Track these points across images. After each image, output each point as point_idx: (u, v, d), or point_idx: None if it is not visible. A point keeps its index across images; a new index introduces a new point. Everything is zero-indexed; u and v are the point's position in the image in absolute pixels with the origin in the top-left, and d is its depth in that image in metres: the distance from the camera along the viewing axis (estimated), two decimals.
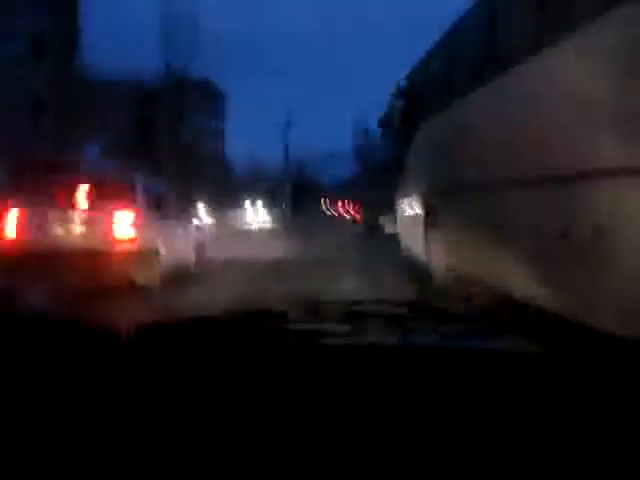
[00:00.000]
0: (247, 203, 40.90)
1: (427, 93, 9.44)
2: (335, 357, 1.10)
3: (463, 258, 6.79)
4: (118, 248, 7.81)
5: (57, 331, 1.18)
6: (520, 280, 5.35)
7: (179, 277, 9.13)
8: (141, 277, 7.86)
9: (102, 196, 8.14)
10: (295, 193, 66.15)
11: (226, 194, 49.92)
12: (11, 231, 7.96)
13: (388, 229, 18.63)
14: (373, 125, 77.58)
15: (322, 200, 72.21)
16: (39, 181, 9.01)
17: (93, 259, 7.57)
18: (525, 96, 5.56)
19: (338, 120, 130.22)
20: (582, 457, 0.87)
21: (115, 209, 8.01)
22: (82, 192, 8.11)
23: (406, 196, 10.42)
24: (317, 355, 1.12)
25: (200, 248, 10.96)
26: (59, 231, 7.85)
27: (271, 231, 31.02)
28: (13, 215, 7.99)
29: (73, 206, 7.97)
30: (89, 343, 1.13)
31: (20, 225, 7.96)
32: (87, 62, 41.39)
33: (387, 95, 12.89)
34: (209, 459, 0.88)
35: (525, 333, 1.28)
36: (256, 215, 38.66)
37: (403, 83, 11.92)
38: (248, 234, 24.56)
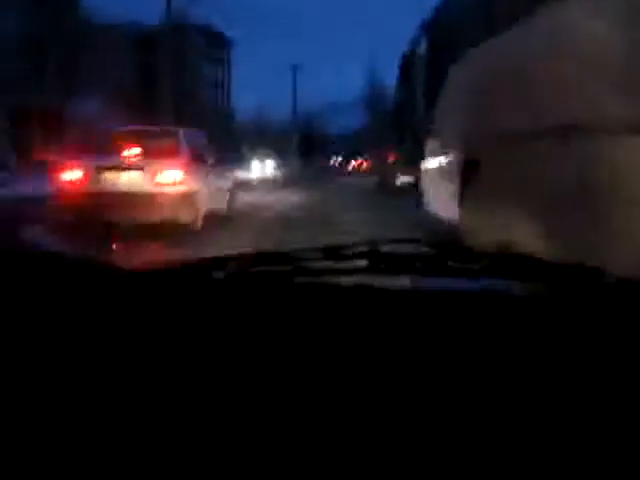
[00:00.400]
0: (250, 155, 39.37)
1: (469, 19, 7.73)
2: (344, 297, 1.07)
3: (509, 222, 5.72)
4: (165, 192, 9.12)
5: (57, 267, 1.14)
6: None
7: (215, 218, 10.65)
8: (183, 216, 9.30)
9: (152, 147, 9.59)
10: (303, 145, 64.24)
11: (229, 146, 48.20)
12: (76, 179, 9.39)
13: (401, 181, 18.51)
14: (384, 74, 76.61)
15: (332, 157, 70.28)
16: (98, 134, 10.71)
17: (145, 201, 8.97)
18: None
19: (343, 71, 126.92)
20: (585, 401, 0.84)
21: (163, 159, 9.40)
22: (136, 143, 9.56)
23: (434, 146, 9.36)
24: (325, 295, 1.08)
25: (232, 194, 12.57)
26: (117, 178, 9.27)
27: (274, 183, 29.82)
28: (78, 165, 9.51)
29: (128, 156, 9.38)
30: (85, 279, 1.10)
31: (84, 174, 9.41)
32: (86, 4, 40.06)
33: (398, 44, 11.27)
34: (206, 404, 0.85)
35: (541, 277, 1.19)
36: (262, 168, 37.35)
37: (431, 15, 10.42)
38: (251, 187, 23.43)
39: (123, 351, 0.93)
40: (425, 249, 1.39)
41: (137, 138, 9.91)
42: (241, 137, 60.36)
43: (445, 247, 1.43)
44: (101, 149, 10.04)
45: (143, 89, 45.60)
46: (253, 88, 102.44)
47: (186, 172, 9.51)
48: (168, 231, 8.89)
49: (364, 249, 1.32)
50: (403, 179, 18.33)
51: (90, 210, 8.88)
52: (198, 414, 0.83)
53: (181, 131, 10.71)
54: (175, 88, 47.88)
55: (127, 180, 9.30)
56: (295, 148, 58.50)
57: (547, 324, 0.98)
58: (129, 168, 9.33)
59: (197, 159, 10.30)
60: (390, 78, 65.55)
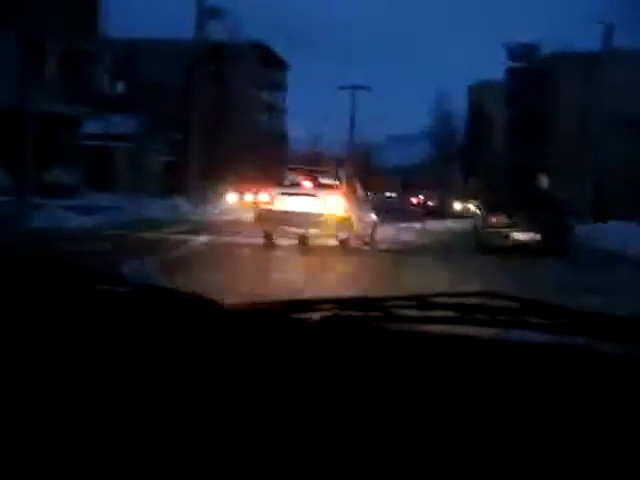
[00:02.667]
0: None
1: None
2: (432, 345, 1.12)
3: None
4: (331, 217, 12.49)
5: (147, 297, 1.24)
6: None
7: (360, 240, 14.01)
8: (342, 233, 12.82)
9: (323, 184, 13.62)
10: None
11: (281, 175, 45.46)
12: (272, 201, 13.12)
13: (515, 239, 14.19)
14: (451, 105, 72.43)
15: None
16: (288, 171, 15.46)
17: (318, 222, 12.47)
18: None
19: (407, 101, 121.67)
20: None
21: (331, 193, 13.03)
22: (312, 181, 13.58)
23: None
24: (413, 342, 1.14)
25: (374, 225, 15.14)
26: (298, 204, 12.71)
27: None
28: (271, 193, 13.37)
29: (306, 189, 13.31)
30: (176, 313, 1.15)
31: (275, 199, 13.12)
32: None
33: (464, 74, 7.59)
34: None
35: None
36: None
37: None
38: None
39: (203, 387, 0.95)
40: (508, 303, 1.36)
41: (310, 173, 14.46)
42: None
43: (528, 302, 1.38)
44: (288, 181, 14.05)
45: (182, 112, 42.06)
46: (308, 115, 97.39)
47: (345, 200, 12.80)
48: (330, 243, 12.97)
49: (451, 300, 1.36)
50: (519, 236, 13.81)
51: (276, 223, 12.81)
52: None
53: (341, 170, 15.07)
54: (215, 111, 44.38)
55: (304, 203, 12.66)
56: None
57: (627, 385, 0.99)
58: (305, 195, 12.92)
59: (352, 192, 13.77)
60: (458, 109, 60.24)
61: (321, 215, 12.34)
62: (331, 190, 13.01)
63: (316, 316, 1.19)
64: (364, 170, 64.30)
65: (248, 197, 27.21)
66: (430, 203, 41.26)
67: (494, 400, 0.94)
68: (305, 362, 1.02)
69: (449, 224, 26.31)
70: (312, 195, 12.75)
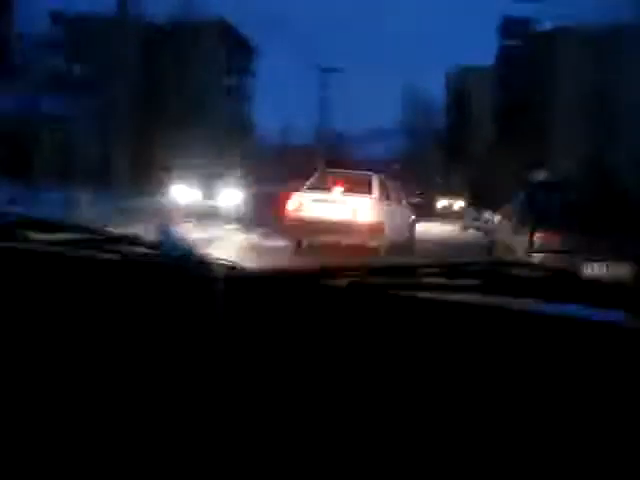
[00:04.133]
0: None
1: None
2: (459, 314, 1.11)
3: None
4: (360, 222, 11.95)
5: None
6: None
7: (397, 246, 12.93)
8: (372, 241, 12.00)
9: (352, 187, 12.66)
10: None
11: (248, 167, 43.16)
12: (299, 208, 12.61)
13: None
14: (432, 96, 68.06)
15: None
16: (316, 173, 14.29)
17: (346, 227, 11.80)
18: None
19: (382, 94, 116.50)
20: None
21: (361, 199, 12.40)
22: (341, 184, 12.69)
23: None
24: (440, 310, 1.12)
25: (412, 228, 14.93)
26: (328, 211, 12.15)
27: None
28: (301, 198, 12.85)
29: (336, 194, 12.51)
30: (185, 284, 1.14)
31: (304, 204, 12.63)
32: None
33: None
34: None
35: None
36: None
37: None
38: None
39: (223, 352, 0.98)
40: (540, 273, 1.37)
41: (341, 178, 13.14)
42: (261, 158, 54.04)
43: (560, 273, 1.39)
44: (315, 185, 13.33)
45: (148, 93, 39.22)
46: (280, 103, 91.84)
47: (376, 208, 12.48)
48: (359, 252, 11.64)
49: (480, 268, 1.35)
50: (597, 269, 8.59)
51: (307, 231, 12.29)
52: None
53: (374, 176, 13.48)
54: (183, 96, 41.00)
55: (333, 210, 12.23)
56: None
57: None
58: (335, 201, 12.43)
59: (385, 198, 13.27)
60: (437, 98, 55.85)
61: (351, 223, 12.01)
62: (362, 195, 12.54)
63: (343, 282, 1.20)
64: (335, 163, 60.03)
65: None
66: (412, 200, 36.53)
67: (517, 369, 0.95)
68: (329, 326, 1.04)
69: (440, 227, 22.91)
70: (342, 201, 12.38)
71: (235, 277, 1.13)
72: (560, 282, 1.25)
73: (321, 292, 1.15)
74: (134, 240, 1.24)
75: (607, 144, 28.20)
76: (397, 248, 12.58)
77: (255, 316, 1.05)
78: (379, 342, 1.00)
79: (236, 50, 53.93)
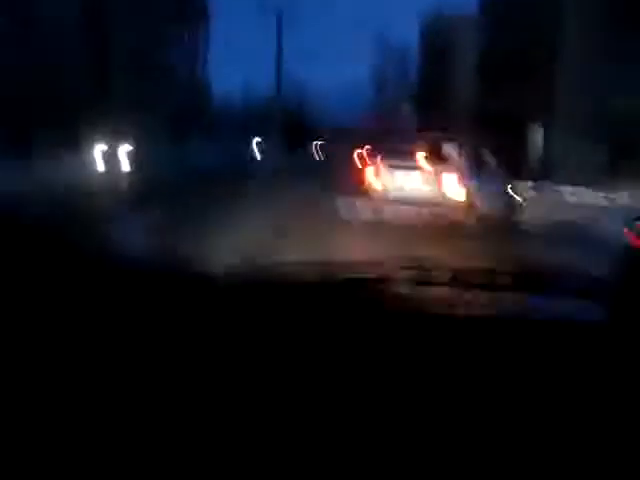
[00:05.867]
0: None
1: None
2: (438, 327, 1.12)
3: None
4: (447, 199, 10.29)
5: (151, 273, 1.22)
6: None
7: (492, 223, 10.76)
8: (461, 217, 10.17)
9: (438, 160, 10.69)
10: (291, 133, 50.01)
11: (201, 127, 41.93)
12: (375, 181, 10.93)
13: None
14: (404, 45, 62.82)
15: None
16: (392, 143, 12.26)
17: (432, 205, 10.16)
18: None
19: (348, 43, 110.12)
20: None
21: (446, 171, 10.52)
22: (424, 156, 10.64)
23: None
24: (422, 324, 1.12)
25: (510, 202, 12.20)
26: (409, 183, 10.55)
27: None
28: (376, 169, 11.03)
29: (418, 166, 10.65)
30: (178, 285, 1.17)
31: (380, 177, 10.90)
32: None
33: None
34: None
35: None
36: None
37: None
38: None
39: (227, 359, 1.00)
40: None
41: (425, 142, 11.16)
42: (221, 117, 51.88)
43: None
44: (394, 148, 11.36)
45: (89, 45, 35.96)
46: (239, 63, 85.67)
47: (465, 177, 10.52)
48: (447, 229, 9.75)
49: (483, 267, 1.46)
50: None
51: (386, 211, 10.39)
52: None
53: (462, 140, 11.73)
54: (131, 49, 37.19)
55: (414, 182, 10.55)
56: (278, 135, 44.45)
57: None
58: (417, 169, 10.60)
59: (476, 166, 11.17)
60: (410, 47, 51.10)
61: (435, 199, 10.38)
62: (447, 165, 10.74)
63: (340, 277, 1.22)
64: (297, 126, 55.12)
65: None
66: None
67: (507, 372, 0.97)
68: (321, 321, 1.06)
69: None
70: (424, 172, 10.61)
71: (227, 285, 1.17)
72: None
73: (315, 288, 1.17)
74: None
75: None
76: (494, 226, 10.56)
77: (247, 322, 1.06)
78: (376, 350, 1.00)
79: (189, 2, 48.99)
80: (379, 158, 11.20)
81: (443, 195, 10.31)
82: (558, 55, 26.46)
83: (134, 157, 23.11)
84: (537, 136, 26.29)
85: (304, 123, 56.10)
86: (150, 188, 15.74)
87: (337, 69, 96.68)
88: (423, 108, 45.80)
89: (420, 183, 10.50)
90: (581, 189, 18.87)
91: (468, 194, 10.37)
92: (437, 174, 10.41)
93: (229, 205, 11.67)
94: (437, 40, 45.86)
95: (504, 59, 30.57)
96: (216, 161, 30.67)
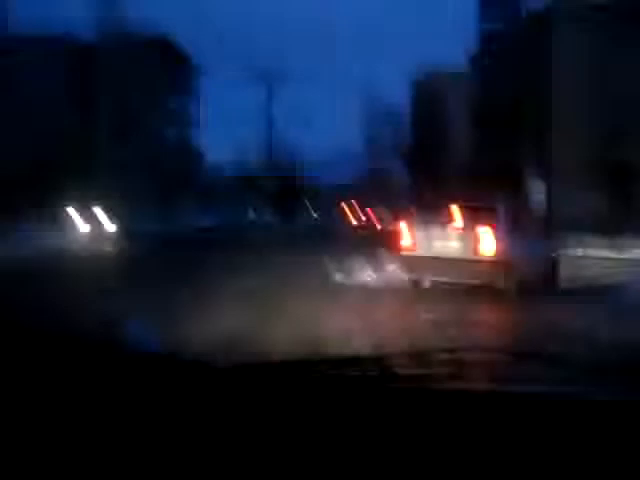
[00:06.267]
0: None
1: None
2: (439, 402, 1.14)
3: None
4: (484, 259, 9.94)
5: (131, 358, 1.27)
6: None
7: (533, 287, 10.29)
8: (499, 282, 9.78)
9: (472, 217, 10.43)
10: (284, 199, 49.25)
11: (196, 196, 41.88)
12: (408, 241, 10.73)
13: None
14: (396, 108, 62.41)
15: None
16: (425, 203, 14.35)
17: (466, 264, 9.90)
18: None
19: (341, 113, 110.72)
20: None
21: (482, 228, 10.15)
22: (458, 214, 10.58)
23: None
24: (421, 400, 1.16)
25: (551, 262, 11.75)
26: (442, 242, 10.33)
27: None
28: (410, 229, 10.82)
29: (451, 224, 10.53)
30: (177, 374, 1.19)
31: (414, 236, 10.67)
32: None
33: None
34: None
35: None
36: None
37: None
38: None
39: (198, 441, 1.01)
40: (506, 357, 1.43)
41: (462, 210, 10.80)
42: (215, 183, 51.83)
43: (526, 355, 1.46)
44: (431, 217, 11.13)
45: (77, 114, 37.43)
46: (231, 130, 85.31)
47: (503, 243, 10.13)
48: (485, 294, 9.45)
49: (448, 356, 1.39)
50: None
51: (421, 270, 10.32)
52: None
53: (501, 207, 11.11)
54: (118, 117, 37.26)
55: (450, 246, 10.27)
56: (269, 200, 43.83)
57: (624, 431, 1.03)
58: (451, 234, 10.36)
59: (515, 231, 10.74)
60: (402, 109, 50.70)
61: (472, 260, 10.06)
62: (483, 225, 10.24)
63: (313, 376, 1.24)
64: (290, 188, 54.32)
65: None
66: (381, 223, 29.99)
67: (497, 451, 0.99)
68: (302, 420, 1.05)
69: None
70: (460, 234, 10.37)
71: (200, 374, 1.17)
72: (526, 364, 1.33)
73: (296, 386, 1.18)
74: None
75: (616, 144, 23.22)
76: (533, 288, 10.19)
77: (223, 412, 1.07)
78: (355, 435, 1.01)
79: (178, 70, 48.90)
80: (410, 218, 11.39)
81: (478, 254, 10.03)
82: (551, 103, 25.85)
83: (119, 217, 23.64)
84: (537, 189, 25.43)
85: (297, 187, 55.60)
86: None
87: (329, 132, 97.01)
88: (416, 166, 45.26)
89: (456, 247, 10.26)
90: (594, 240, 18.26)
91: (504, 255, 10.00)
92: (473, 233, 10.11)
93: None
94: (428, 97, 45.59)
95: (496, 111, 29.99)
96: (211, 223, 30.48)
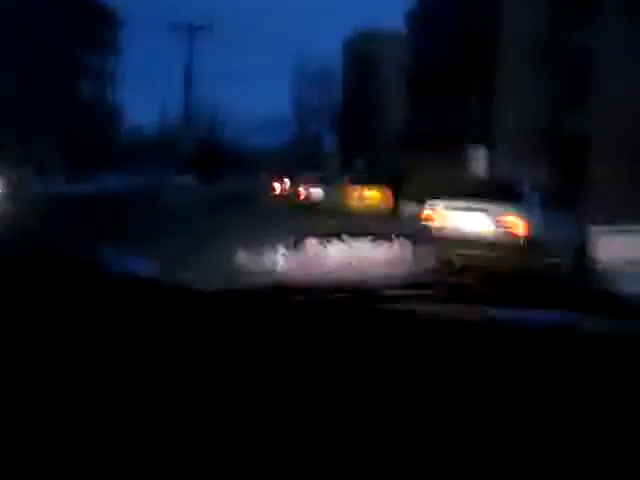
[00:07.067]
0: None
1: None
2: (419, 325, 1.14)
3: None
4: (509, 239, 9.60)
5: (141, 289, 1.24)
6: None
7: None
8: (525, 263, 9.08)
9: (500, 197, 10.05)
10: (204, 160, 46.60)
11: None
12: (439, 219, 10.37)
13: None
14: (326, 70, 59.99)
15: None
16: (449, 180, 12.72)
17: (493, 244, 9.47)
18: None
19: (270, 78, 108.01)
20: None
21: (506, 204, 9.86)
22: (486, 192, 10.23)
23: None
24: (400, 322, 1.14)
25: (583, 245, 11.34)
26: (467, 222, 10.00)
27: None
28: (437, 209, 10.46)
29: (476, 199, 10.02)
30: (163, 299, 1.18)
31: (444, 216, 10.35)
32: None
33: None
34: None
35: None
36: None
37: None
38: None
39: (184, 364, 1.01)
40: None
41: (483, 184, 12.09)
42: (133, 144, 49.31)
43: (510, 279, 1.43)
44: (452, 191, 10.81)
45: None
46: (153, 86, 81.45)
47: (526, 218, 9.90)
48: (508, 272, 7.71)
49: (431, 278, 1.42)
50: None
51: (442, 243, 9.56)
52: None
53: (523, 180, 11.18)
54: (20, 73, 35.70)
55: (474, 222, 9.98)
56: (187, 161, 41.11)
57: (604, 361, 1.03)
58: (474, 210, 10.02)
59: (538, 206, 10.46)
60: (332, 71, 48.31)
61: (495, 239, 9.76)
62: (509, 204, 9.98)
63: (299, 298, 1.23)
64: (212, 151, 51.44)
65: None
66: (302, 189, 27.36)
67: (480, 379, 0.98)
68: (292, 343, 1.05)
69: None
70: (484, 211, 9.99)
71: (187, 299, 1.16)
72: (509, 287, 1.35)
73: (280, 310, 1.17)
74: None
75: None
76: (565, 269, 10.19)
77: (212, 336, 1.06)
78: (342, 357, 1.01)
79: (94, 21, 45.52)
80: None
81: (500, 232, 9.91)
82: (495, 71, 23.85)
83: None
84: (478, 158, 23.49)
85: (221, 149, 52.84)
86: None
87: (259, 94, 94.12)
88: (348, 130, 43.07)
89: (479, 223, 10.09)
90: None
91: (527, 236, 9.82)
92: (496, 213, 9.96)
93: None
94: (361, 58, 43.23)
95: (435, 76, 27.82)
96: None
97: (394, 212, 20.32)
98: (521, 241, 9.70)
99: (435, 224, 10.35)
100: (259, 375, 0.99)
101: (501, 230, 9.81)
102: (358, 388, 0.96)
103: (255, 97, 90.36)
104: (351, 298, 1.24)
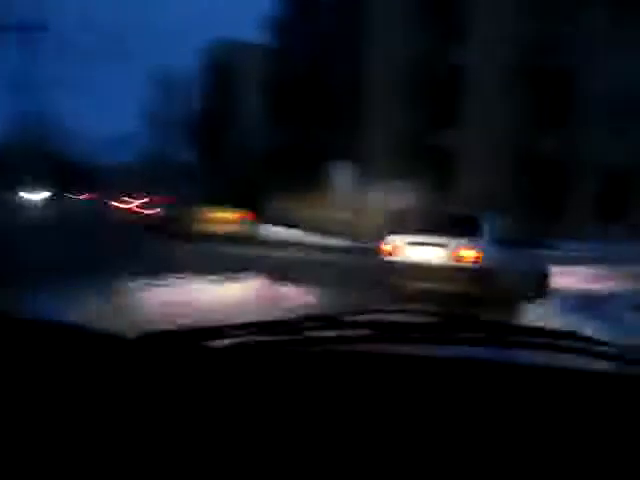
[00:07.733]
0: None
1: None
2: (354, 364, 1.14)
3: None
4: (463, 267, 9.77)
5: (64, 335, 1.20)
6: None
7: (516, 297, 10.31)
8: (477, 292, 9.67)
9: (457, 231, 10.23)
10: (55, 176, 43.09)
11: None
12: (391, 249, 10.58)
13: None
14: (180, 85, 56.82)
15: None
16: (409, 214, 12.68)
17: (444, 273, 9.81)
18: None
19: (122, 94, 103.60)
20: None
21: (463, 238, 10.02)
22: (443, 224, 10.47)
23: None
24: (335, 362, 1.16)
25: (543, 278, 11.58)
26: (425, 254, 10.12)
27: None
28: (393, 239, 10.65)
29: (433, 234, 10.21)
30: (93, 347, 1.16)
31: (397, 246, 10.49)
32: None
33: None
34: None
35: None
36: None
37: None
38: None
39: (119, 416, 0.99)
40: (425, 318, 1.40)
41: (440, 218, 11.16)
42: None
43: (446, 316, 1.44)
44: (410, 226, 10.92)
45: None
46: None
47: (483, 252, 9.99)
48: (459, 301, 9.45)
49: (367, 318, 1.35)
50: None
51: (401, 277, 10.21)
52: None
53: (481, 215, 11.06)
54: None
55: (431, 254, 10.09)
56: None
57: (547, 395, 1.04)
58: (433, 243, 10.14)
59: (497, 241, 10.56)
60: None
61: (451, 268, 9.96)
62: (465, 238, 10.15)
63: (226, 342, 1.18)
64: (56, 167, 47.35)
65: None
66: (152, 210, 24.58)
67: (419, 414, 0.98)
68: (214, 390, 1.04)
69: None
70: (441, 243, 10.15)
71: (112, 346, 1.12)
72: (448, 325, 1.32)
73: (202, 355, 1.14)
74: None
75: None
76: (517, 300, 10.03)
77: (134, 385, 1.04)
78: (267, 402, 1.00)
79: None
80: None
81: (457, 265, 9.96)
82: (360, 87, 22.30)
83: None
84: (343, 174, 21.64)
85: (65, 165, 48.89)
86: None
87: (110, 105, 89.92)
88: (205, 145, 40.64)
89: (436, 254, 10.15)
90: None
91: (485, 267, 9.93)
92: (453, 247, 10.01)
93: None
94: (219, 68, 40.89)
95: (296, 88, 25.93)
96: None
97: (251, 236, 18.36)
98: (477, 273, 9.70)
99: (393, 258, 10.41)
100: (184, 425, 0.95)
101: (457, 263, 9.86)
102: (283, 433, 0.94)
103: (109, 112, 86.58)
104: (285, 341, 1.20)
